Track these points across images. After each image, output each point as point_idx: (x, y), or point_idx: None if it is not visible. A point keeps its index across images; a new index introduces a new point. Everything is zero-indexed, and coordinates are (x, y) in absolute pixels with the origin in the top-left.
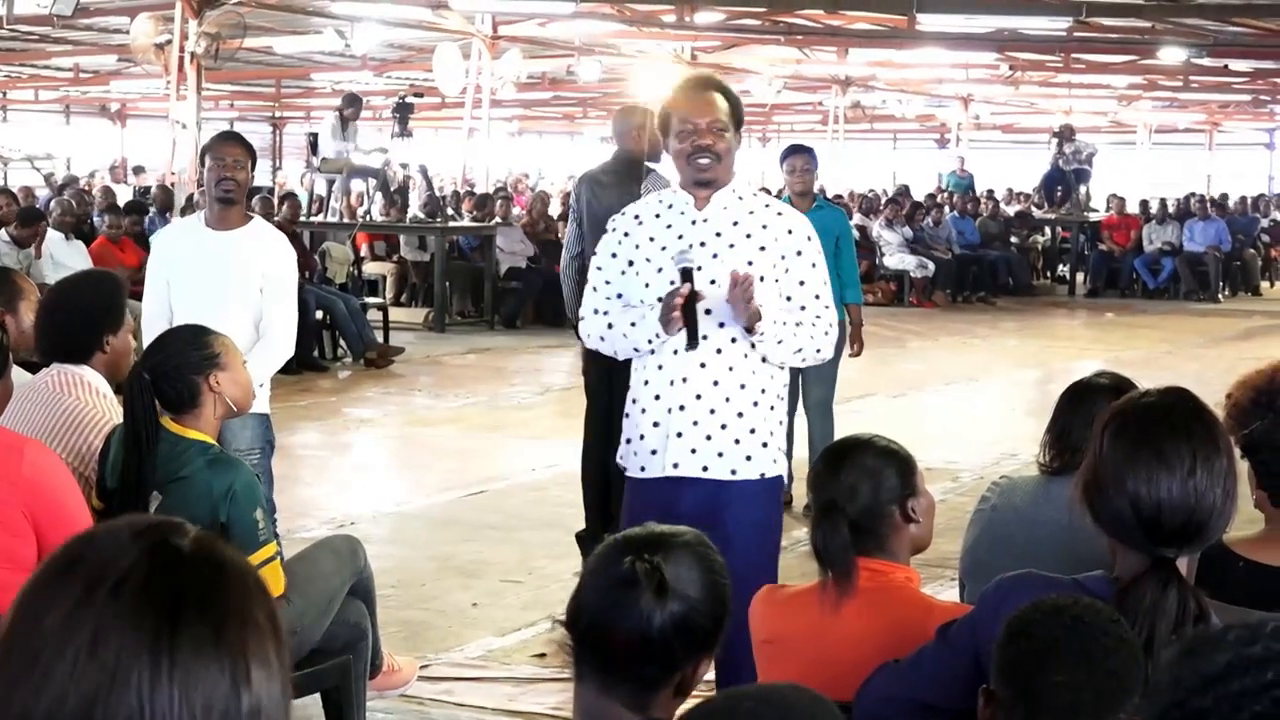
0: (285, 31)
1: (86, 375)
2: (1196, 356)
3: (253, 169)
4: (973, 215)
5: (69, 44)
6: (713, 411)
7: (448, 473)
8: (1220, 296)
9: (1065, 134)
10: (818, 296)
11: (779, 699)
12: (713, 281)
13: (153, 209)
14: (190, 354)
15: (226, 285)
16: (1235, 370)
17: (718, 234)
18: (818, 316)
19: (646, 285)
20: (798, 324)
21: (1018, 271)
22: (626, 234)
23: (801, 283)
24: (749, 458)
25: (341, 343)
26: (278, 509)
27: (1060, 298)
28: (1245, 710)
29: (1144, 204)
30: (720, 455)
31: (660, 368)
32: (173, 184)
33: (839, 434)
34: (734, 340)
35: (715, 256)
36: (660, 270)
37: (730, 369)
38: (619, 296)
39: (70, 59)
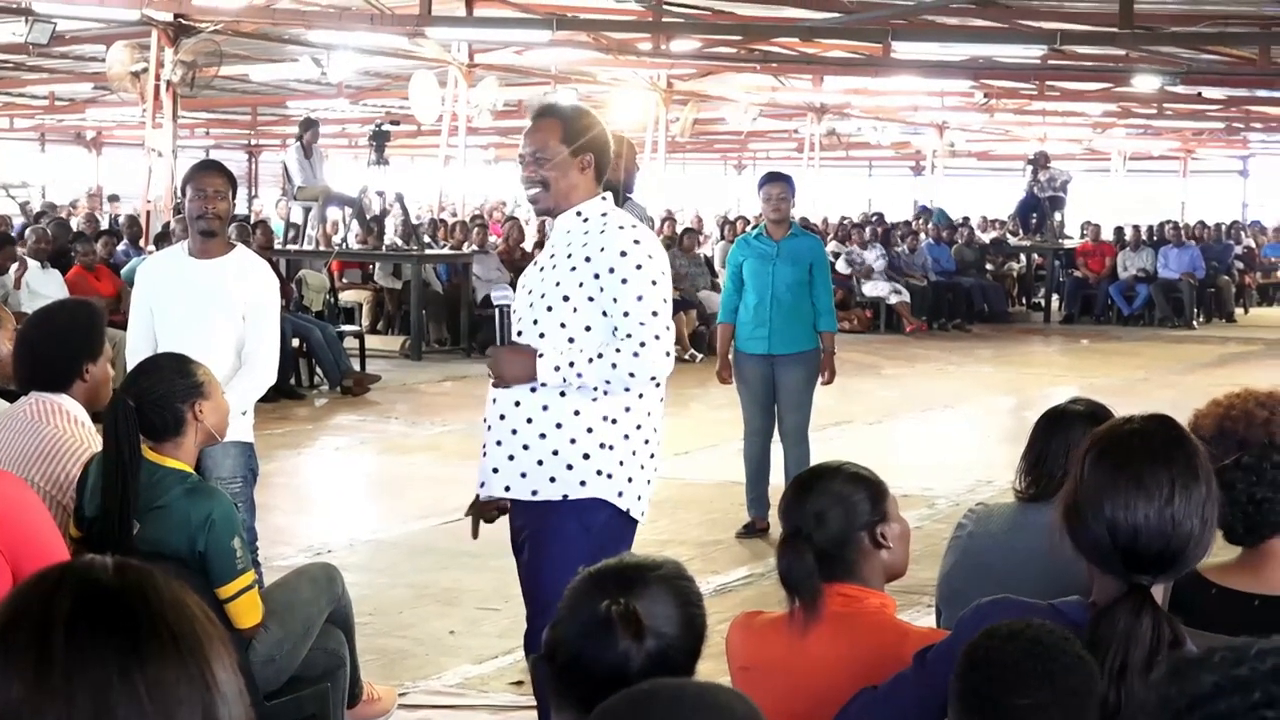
0: (261, 59)
1: (65, 404)
2: (1172, 383)
3: (234, 197)
4: (948, 243)
5: (44, 72)
6: (514, 432)
7: (424, 500)
8: (1195, 323)
9: (1040, 161)
10: (627, 314)
11: (680, 682)
12: (531, 305)
13: (125, 240)
14: (177, 382)
15: (209, 314)
16: (1210, 397)
17: (551, 257)
18: (628, 335)
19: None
20: (593, 358)
21: (993, 299)
22: None
23: (615, 300)
24: (553, 479)
25: (318, 370)
26: (257, 537)
27: (1035, 325)
28: None
29: (1119, 231)
30: (524, 476)
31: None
32: (149, 212)
33: (815, 461)
34: None
35: (541, 269)
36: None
37: (532, 389)
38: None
39: (46, 87)
